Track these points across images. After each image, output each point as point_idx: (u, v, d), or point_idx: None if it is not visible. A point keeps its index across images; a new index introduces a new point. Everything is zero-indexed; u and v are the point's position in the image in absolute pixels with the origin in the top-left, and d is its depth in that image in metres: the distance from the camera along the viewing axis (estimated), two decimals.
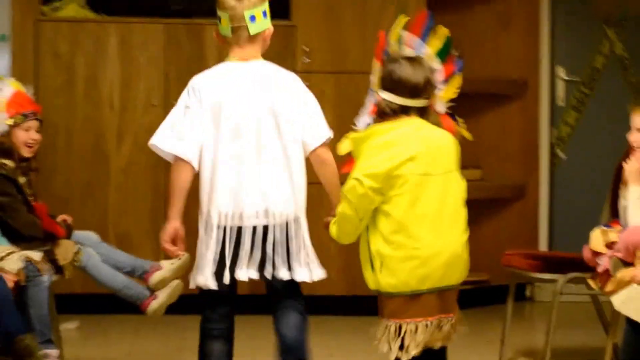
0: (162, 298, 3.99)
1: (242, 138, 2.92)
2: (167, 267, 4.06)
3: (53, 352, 3.85)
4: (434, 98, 2.92)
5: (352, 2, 5.37)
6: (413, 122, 2.76)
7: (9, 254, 3.70)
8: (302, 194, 3.01)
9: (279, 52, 4.38)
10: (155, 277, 4.01)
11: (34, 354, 3.63)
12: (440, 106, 3.09)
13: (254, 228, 2.92)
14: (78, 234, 4.15)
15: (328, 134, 3.05)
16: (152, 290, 4.00)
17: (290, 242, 2.96)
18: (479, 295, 5.57)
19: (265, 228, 2.91)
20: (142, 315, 4.00)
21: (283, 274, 2.94)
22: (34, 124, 4.02)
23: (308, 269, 3.03)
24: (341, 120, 4.83)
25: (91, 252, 4.05)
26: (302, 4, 5.43)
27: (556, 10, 5.90)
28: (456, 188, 2.82)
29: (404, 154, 2.71)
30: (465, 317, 5.20)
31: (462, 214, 2.79)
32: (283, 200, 2.93)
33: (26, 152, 4.00)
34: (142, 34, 5.29)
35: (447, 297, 2.81)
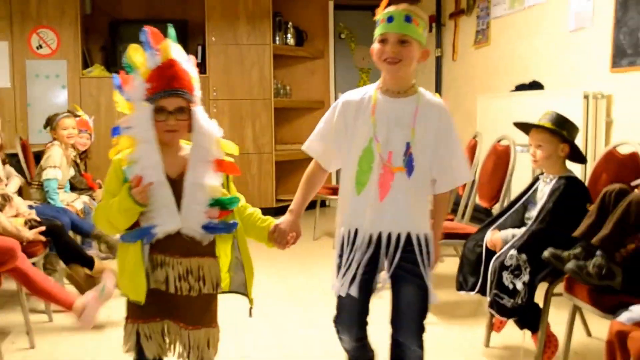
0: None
1: None
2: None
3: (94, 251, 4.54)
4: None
5: (238, 61, 6.64)
6: None
7: (75, 199, 4.69)
8: None
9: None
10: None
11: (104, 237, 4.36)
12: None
13: None
14: None
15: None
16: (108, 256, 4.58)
17: None
18: None
19: None
20: None
21: None
22: (84, 135, 5.08)
23: None
24: (235, 130, 6.34)
25: None
26: (212, 64, 6.71)
27: (337, 65, 7.77)
28: None
29: None
30: None
31: None
32: None
33: (80, 148, 5.09)
34: None
35: None
